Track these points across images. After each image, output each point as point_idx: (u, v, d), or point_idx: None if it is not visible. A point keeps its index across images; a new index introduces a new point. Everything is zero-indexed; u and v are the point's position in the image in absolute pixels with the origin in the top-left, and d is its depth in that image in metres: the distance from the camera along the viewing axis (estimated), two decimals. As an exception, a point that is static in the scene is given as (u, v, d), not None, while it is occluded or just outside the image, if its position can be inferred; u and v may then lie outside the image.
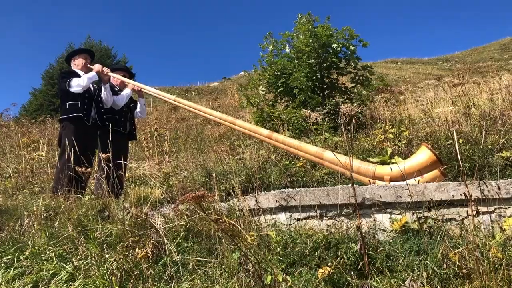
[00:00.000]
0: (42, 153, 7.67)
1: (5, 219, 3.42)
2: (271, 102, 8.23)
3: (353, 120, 2.48)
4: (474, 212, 2.61)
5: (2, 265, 2.87)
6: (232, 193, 3.62)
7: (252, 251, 2.44)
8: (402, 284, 2.15)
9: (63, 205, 3.44)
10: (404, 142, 5.16)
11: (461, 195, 2.64)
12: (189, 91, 22.25)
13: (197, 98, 18.09)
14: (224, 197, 4.40)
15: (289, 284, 2.07)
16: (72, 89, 4.50)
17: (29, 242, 2.98)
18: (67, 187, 3.89)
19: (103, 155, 3.58)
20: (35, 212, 3.32)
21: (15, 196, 5.12)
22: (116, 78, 5.08)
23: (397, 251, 2.42)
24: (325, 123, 6.44)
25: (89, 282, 2.58)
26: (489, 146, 4.35)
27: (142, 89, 5.19)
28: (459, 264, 2.15)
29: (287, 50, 8.10)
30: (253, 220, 3.09)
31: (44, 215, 3.36)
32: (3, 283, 2.71)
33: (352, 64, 7.81)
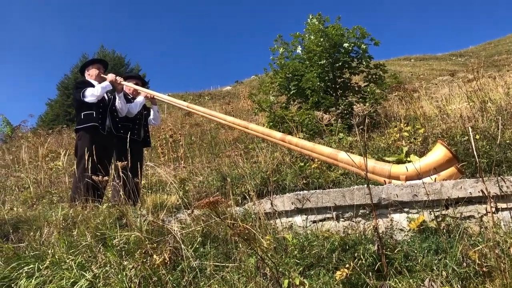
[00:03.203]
0: (60, 163, 7.78)
1: (25, 229, 3.48)
2: (284, 105, 8.22)
3: (366, 120, 2.46)
4: (493, 209, 2.57)
5: (24, 274, 2.91)
6: (247, 197, 3.62)
7: (269, 254, 2.44)
8: (422, 284, 2.13)
9: (81, 214, 3.48)
10: (420, 139, 5.10)
11: (479, 192, 2.60)
12: (202, 96, 22.34)
13: (210, 103, 18.14)
14: (240, 201, 4.40)
15: (306, 287, 2.06)
16: (87, 99, 4.56)
17: (49, 252, 3.02)
18: (84, 196, 3.94)
19: (119, 163, 3.62)
20: (54, 222, 3.37)
21: (35, 206, 5.20)
22: (129, 86, 5.14)
23: (415, 251, 2.39)
24: (338, 123, 6.41)
25: (109, 290, 2.61)
26: (507, 141, 4.28)
27: (155, 97, 5.25)
28: (479, 262, 2.12)
29: (298, 50, 8.08)
30: (269, 223, 3.09)
31: (63, 224, 3.41)
32: (25, 293, 2.75)
33: (364, 63, 7.75)
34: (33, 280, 2.84)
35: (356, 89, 7.96)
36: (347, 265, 2.30)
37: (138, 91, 5.20)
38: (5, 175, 8.27)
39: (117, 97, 4.83)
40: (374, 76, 7.81)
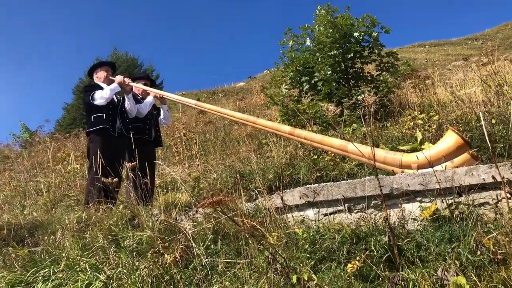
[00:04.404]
0: (77, 165, 7.88)
1: (40, 234, 3.52)
2: (296, 98, 8.14)
3: (372, 109, 2.41)
4: (508, 195, 2.49)
5: (40, 278, 2.95)
6: (257, 193, 3.60)
7: (279, 250, 2.41)
8: (434, 274, 2.07)
9: (94, 216, 3.51)
10: (434, 127, 5.01)
11: (492, 178, 2.53)
12: (216, 93, 22.36)
13: (224, 100, 18.13)
14: (254, 196, 4.38)
15: (315, 281, 2.03)
16: (96, 102, 4.59)
17: (64, 255, 3.05)
18: (97, 199, 3.96)
19: (128, 164, 3.63)
20: (68, 225, 3.41)
21: (53, 210, 5.26)
22: (137, 87, 5.16)
23: (428, 240, 2.34)
24: (352, 113, 6.33)
25: (122, 290, 2.62)
26: (524, 124, 4.16)
27: (164, 96, 5.26)
28: (493, 249, 2.06)
29: (308, 43, 7.98)
30: (280, 218, 3.07)
31: (77, 227, 3.44)
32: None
33: (376, 51, 7.63)
34: (49, 283, 2.88)
35: (369, 78, 7.84)
36: (358, 258, 2.26)
37: (147, 91, 5.21)
38: (25, 180, 8.41)
39: (126, 99, 4.85)
40: (386, 65, 7.68)
